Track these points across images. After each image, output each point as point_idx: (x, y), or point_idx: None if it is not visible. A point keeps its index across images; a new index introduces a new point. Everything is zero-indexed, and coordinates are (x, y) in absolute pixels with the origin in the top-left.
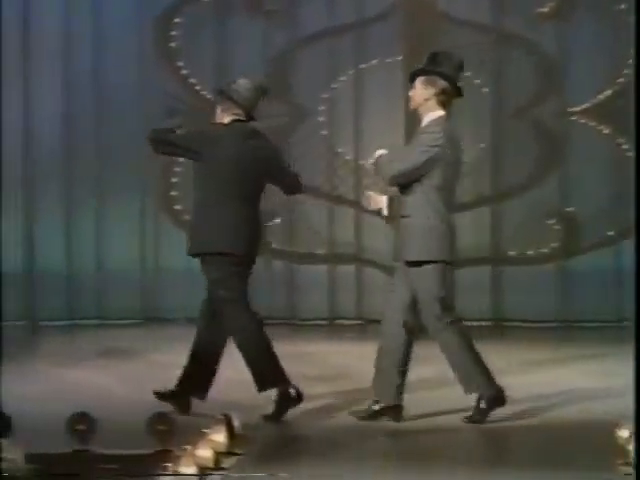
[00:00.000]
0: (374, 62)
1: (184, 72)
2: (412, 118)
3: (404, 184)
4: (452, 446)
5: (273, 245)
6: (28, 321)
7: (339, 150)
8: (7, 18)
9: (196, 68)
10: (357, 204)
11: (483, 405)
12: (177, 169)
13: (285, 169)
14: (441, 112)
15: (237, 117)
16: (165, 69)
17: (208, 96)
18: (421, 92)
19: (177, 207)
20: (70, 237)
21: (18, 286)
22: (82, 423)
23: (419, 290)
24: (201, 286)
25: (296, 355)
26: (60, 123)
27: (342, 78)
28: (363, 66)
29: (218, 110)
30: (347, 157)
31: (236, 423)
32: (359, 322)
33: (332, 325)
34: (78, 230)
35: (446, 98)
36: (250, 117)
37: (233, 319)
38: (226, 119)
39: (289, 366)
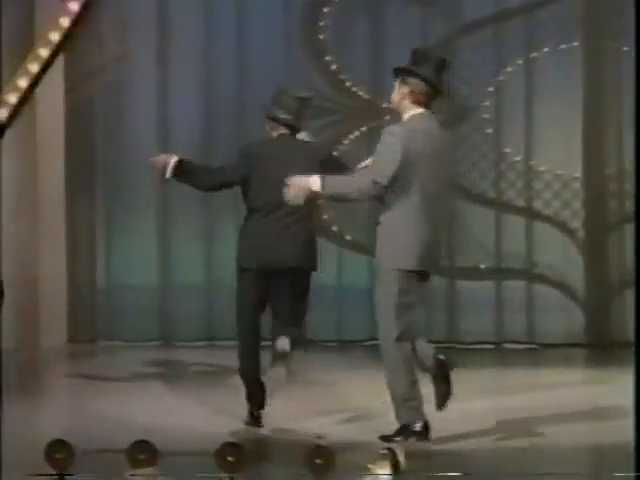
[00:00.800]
0: (546, 50)
1: (334, 68)
2: (592, 113)
3: (380, 194)
4: None
5: None
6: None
7: (506, 150)
8: (145, 12)
9: (347, 63)
10: (528, 211)
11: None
12: None
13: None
14: (418, 110)
15: (284, 132)
16: (313, 64)
17: (363, 95)
18: (397, 91)
19: None
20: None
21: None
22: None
23: (375, 297)
24: None
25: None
26: (199, 125)
27: (509, 69)
28: (534, 55)
29: (267, 126)
30: (516, 158)
31: (401, 458)
32: (531, 346)
33: (499, 349)
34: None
35: (423, 97)
36: (297, 129)
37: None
38: (274, 134)
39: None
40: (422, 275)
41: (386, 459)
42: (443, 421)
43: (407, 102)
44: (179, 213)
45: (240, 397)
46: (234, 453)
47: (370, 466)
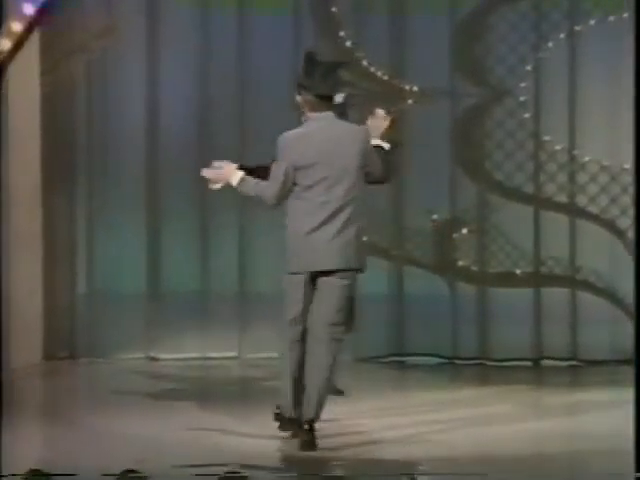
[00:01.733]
0: (592, 22)
1: (348, 44)
2: None
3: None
4: None
5: (459, 263)
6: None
7: (546, 138)
8: None
9: (365, 39)
10: (571, 208)
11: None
12: None
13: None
14: (314, 115)
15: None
16: (325, 40)
17: (382, 76)
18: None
19: None
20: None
21: None
22: None
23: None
24: None
25: None
26: (193, 110)
27: (550, 44)
28: (578, 28)
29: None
30: (557, 147)
31: None
32: (572, 363)
33: (536, 366)
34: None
35: (317, 104)
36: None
37: None
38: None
39: None
40: (323, 272)
41: None
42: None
43: (306, 110)
44: (172, 213)
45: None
46: None
47: None
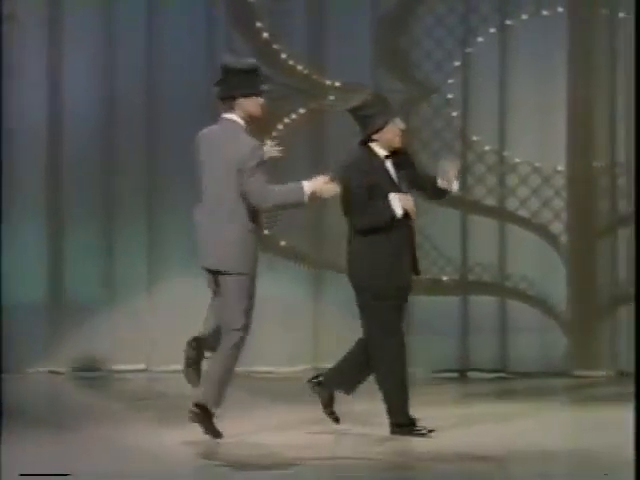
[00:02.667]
0: (524, 17)
1: (266, 36)
2: (578, 93)
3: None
4: None
5: None
6: None
7: (475, 138)
8: None
9: (282, 31)
10: (500, 212)
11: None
12: None
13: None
14: (222, 115)
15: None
16: (240, 33)
17: (301, 69)
18: None
19: None
20: None
21: None
22: None
23: None
24: None
25: None
26: (98, 110)
27: (480, 39)
28: (509, 22)
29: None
30: (486, 147)
31: None
32: (500, 375)
33: (462, 378)
34: None
35: (223, 105)
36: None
37: None
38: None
39: None
40: (216, 272)
41: None
42: None
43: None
44: (75, 220)
45: None
46: None
47: None
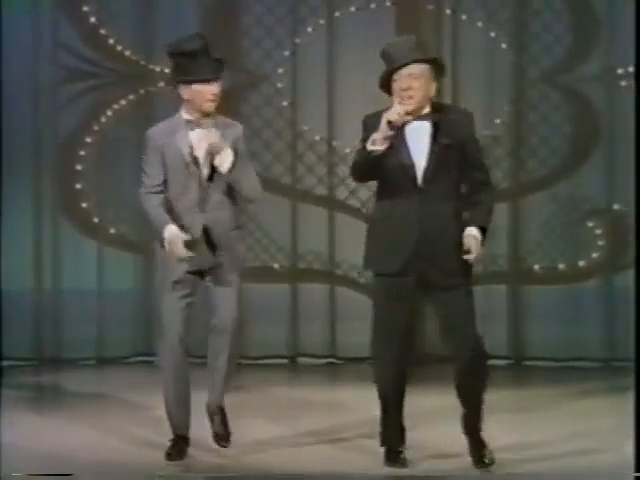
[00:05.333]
0: (352, 9)
1: (93, 20)
2: None
3: None
4: None
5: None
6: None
7: (305, 128)
8: None
9: (110, 15)
10: (329, 201)
11: None
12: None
13: None
14: None
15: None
16: (67, 17)
17: (129, 55)
18: None
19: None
20: None
21: None
22: None
23: None
24: None
25: None
26: None
27: (309, 29)
28: (338, 14)
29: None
30: (316, 137)
31: None
32: (327, 361)
33: (292, 364)
34: None
35: None
36: None
37: None
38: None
39: None
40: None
41: None
42: None
43: None
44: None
45: None
46: None
47: None
